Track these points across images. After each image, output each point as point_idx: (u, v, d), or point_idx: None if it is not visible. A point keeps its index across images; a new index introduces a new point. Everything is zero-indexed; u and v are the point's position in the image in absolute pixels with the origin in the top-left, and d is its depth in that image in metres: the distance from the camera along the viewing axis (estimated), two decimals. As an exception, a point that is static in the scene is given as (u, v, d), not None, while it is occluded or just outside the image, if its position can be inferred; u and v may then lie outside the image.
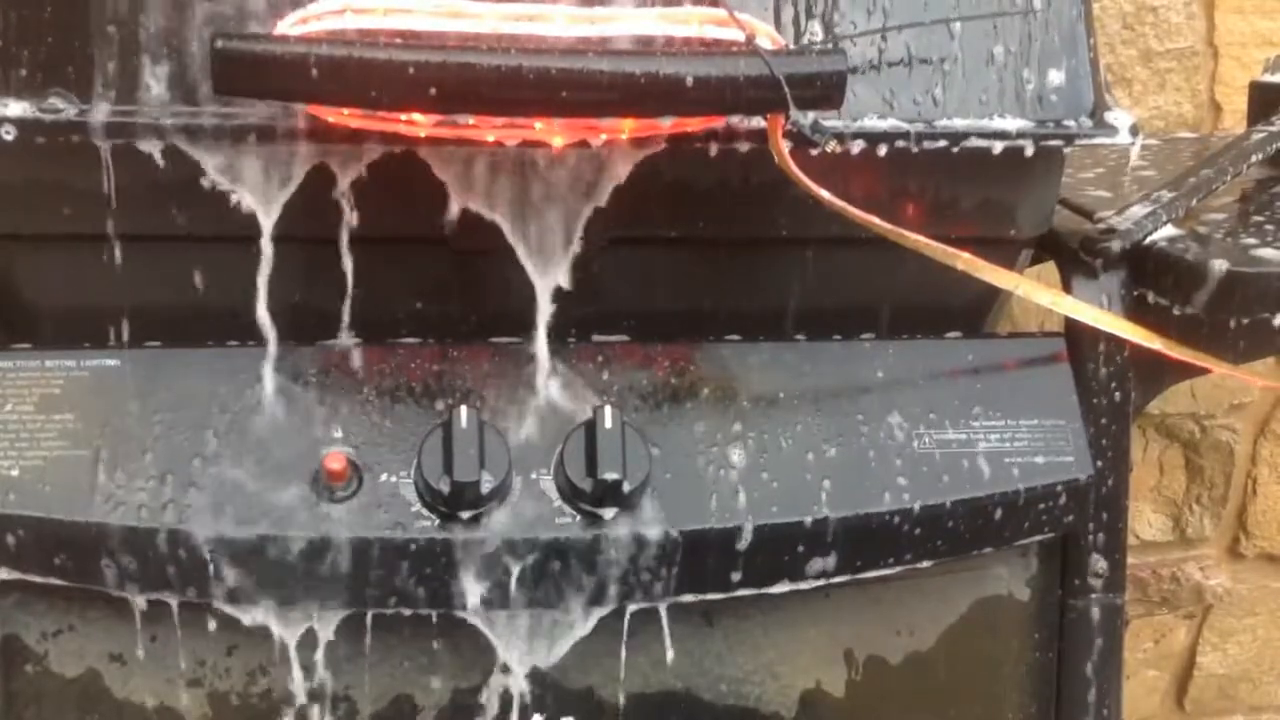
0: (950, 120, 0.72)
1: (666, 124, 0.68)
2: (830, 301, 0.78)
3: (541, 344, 0.73)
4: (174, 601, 0.71)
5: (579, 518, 0.71)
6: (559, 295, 0.72)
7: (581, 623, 0.73)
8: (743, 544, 0.72)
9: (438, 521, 0.70)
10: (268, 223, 0.69)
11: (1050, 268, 0.83)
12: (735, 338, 0.77)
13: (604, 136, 0.68)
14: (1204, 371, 0.81)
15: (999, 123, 0.73)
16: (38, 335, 0.74)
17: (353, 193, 0.70)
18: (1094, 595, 0.82)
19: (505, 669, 0.74)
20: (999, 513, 0.76)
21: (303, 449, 0.71)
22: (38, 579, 0.70)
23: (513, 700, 0.75)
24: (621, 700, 0.77)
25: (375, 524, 0.70)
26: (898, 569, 0.76)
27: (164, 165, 0.68)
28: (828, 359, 0.77)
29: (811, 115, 0.68)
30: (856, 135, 0.71)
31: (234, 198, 0.69)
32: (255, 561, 0.69)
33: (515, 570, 0.71)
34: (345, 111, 0.65)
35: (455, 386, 0.73)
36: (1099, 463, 0.79)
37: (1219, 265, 0.77)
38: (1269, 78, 0.98)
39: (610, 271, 0.75)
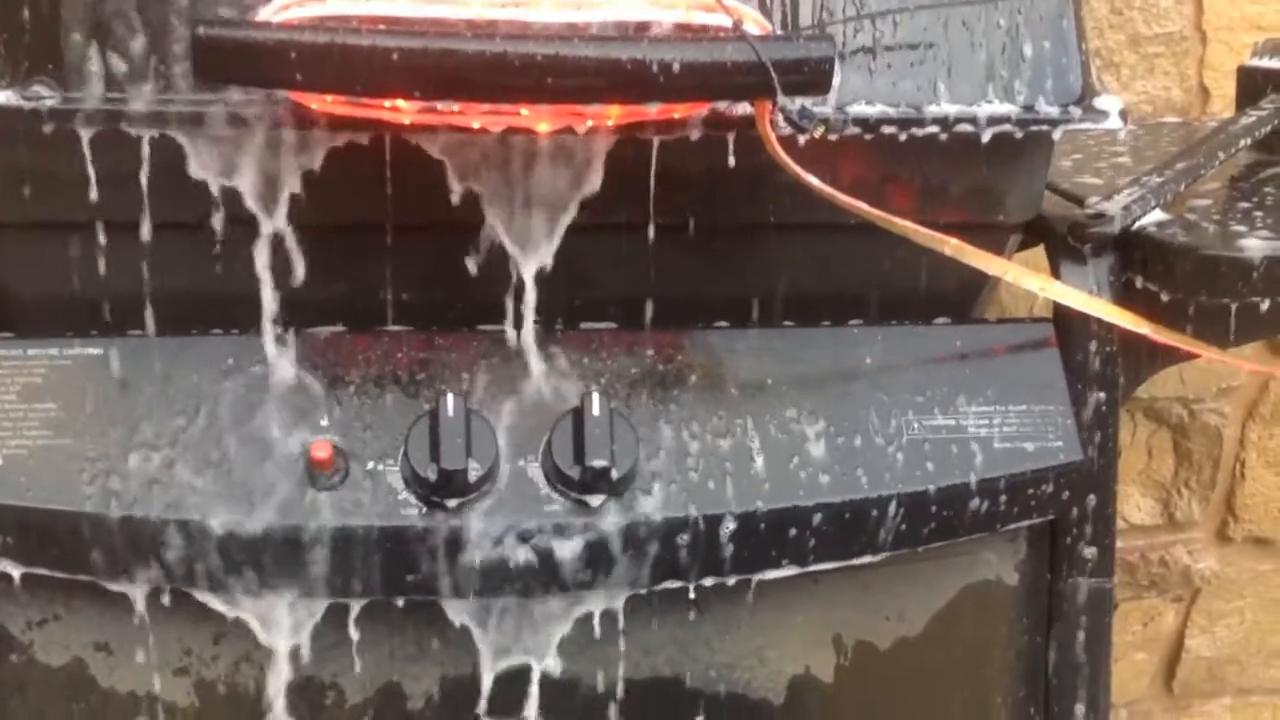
0: (938, 105, 0.72)
1: (653, 110, 0.67)
2: (819, 288, 0.78)
3: (529, 331, 0.73)
4: (159, 591, 0.71)
5: (567, 505, 0.71)
6: (546, 282, 0.72)
7: (569, 610, 0.73)
8: (731, 530, 0.72)
9: (425, 509, 0.70)
10: (250, 210, 0.69)
11: (1039, 253, 0.83)
12: (723, 324, 0.77)
13: (590, 122, 0.68)
14: (1192, 356, 0.81)
15: (987, 108, 0.72)
16: (20, 324, 0.74)
17: (337, 180, 0.69)
18: (1082, 579, 0.82)
19: (492, 657, 0.74)
20: (987, 498, 0.76)
21: (289, 437, 0.71)
22: (22, 568, 0.70)
23: (500, 688, 0.75)
24: (610, 687, 0.77)
25: (362, 512, 0.70)
26: (886, 555, 0.75)
27: (146, 153, 0.67)
28: (816, 345, 0.77)
29: (799, 101, 0.67)
30: (845, 121, 0.70)
31: (216, 185, 0.68)
32: (241, 550, 0.69)
33: (503, 558, 0.70)
34: (329, 98, 0.65)
35: (442, 374, 0.73)
36: (1087, 448, 0.79)
37: (1207, 251, 0.77)
38: (1257, 62, 0.98)
39: (597, 258, 0.74)
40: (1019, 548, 0.82)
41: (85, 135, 0.67)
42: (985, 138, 0.72)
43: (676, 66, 0.62)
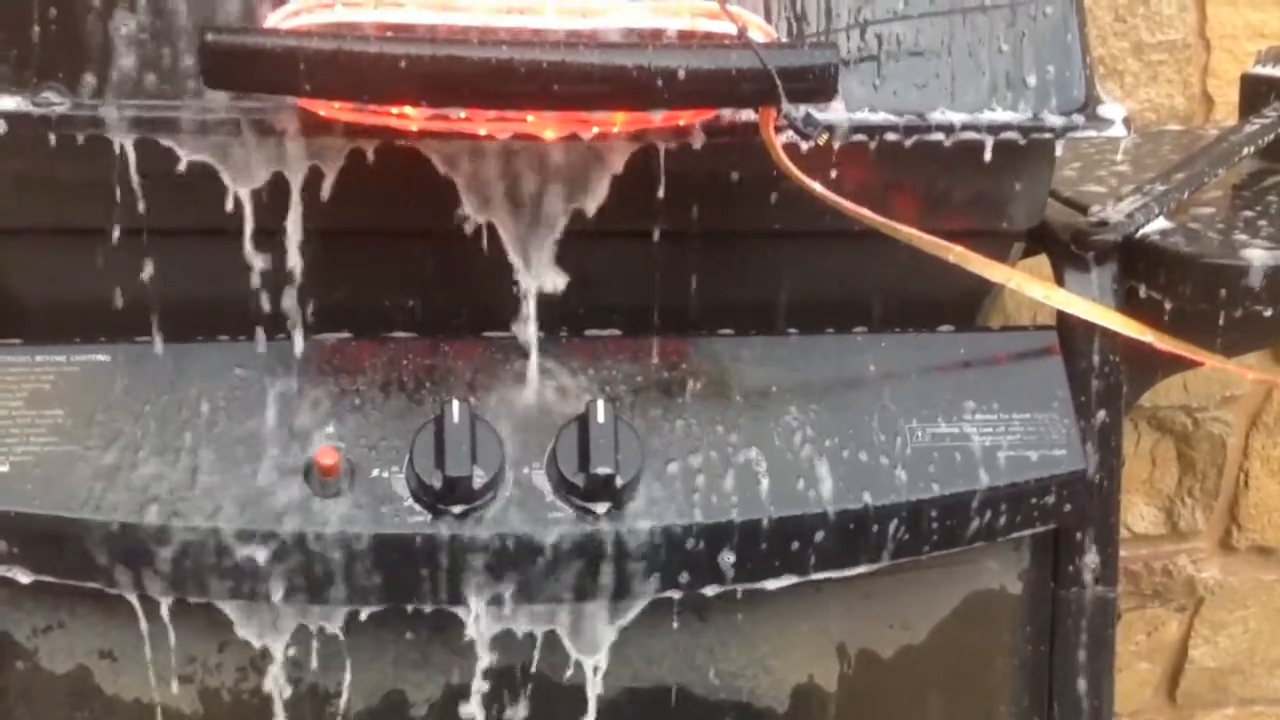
0: (942, 113, 0.72)
1: (658, 117, 0.68)
2: (822, 295, 0.78)
3: (534, 338, 0.73)
4: (164, 598, 0.71)
5: (571, 512, 0.71)
6: (551, 289, 0.72)
7: (573, 618, 0.73)
8: (735, 539, 0.72)
9: (430, 516, 0.70)
10: (257, 216, 0.69)
11: (1042, 260, 0.83)
12: (728, 332, 0.77)
13: (596, 129, 0.68)
14: (1196, 364, 0.81)
15: (991, 115, 0.73)
16: (28, 330, 0.74)
17: (344, 186, 0.69)
18: (1086, 588, 0.82)
19: (496, 664, 0.74)
20: (991, 506, 0.76)
21: (294, 444, 0.71)
22: (28, 575, 0.70)
23: (503, 695, 0.75)
24: (613, 695, 0.76)
25: (367, 519, 0.70)
26: (890, 563, 0.75)
27: (154, 159, 0.67)
28: (820, 353, 0.77)
29: (803, 108, 0.67)
30: (848, 128, 0.70)
31: (223, 192, 0.68)
32: (246, 558, 0.69)
33: (507, 565, 0.70)
34: (336, 105, 0.65)
35: (447, 381, 0.73)
36: (1091, 456, 0.79)
37: (1210, 259, 0.77)
38: (1260, 70, 0.99)
39: (602, 265, 0.75)
40: (1022, 556, 0.82)
41: (93, 142, 0.67)
42: (989, 145, 0.72)
43: (681, 73, 0.62)
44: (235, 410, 0.71)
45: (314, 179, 0.69)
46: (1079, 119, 0.74)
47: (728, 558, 0.72)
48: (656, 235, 0.74)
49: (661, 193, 0.71)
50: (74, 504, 0.68)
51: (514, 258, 0.71)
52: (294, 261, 0.70)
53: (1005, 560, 0.82)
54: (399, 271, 0.74)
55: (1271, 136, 0.93)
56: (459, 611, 0.72)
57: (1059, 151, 0.78)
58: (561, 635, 0.74)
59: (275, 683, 0.73)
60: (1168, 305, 0.79)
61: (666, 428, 0.74)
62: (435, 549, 0.70)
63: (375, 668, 0.74)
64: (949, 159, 0.73)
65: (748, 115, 0.68)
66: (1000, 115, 0.73)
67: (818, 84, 0.64)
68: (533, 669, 0.74)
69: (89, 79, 0.66)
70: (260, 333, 0.71)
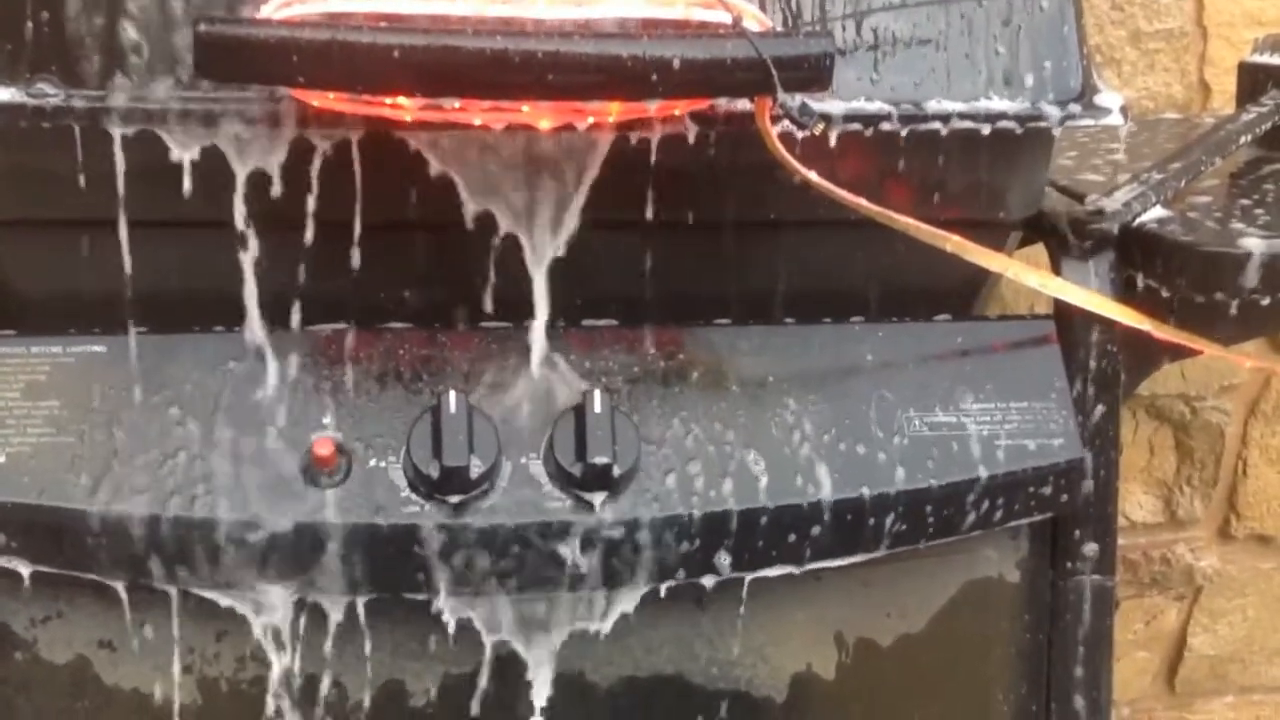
0: (939, 102, 0.72)
1: (653, 107, 0.67)
2: (819, 285, 0.78)
3: (530, 328, 0.73)
4: (162, 588, 0.71)
5: (568, 502, 0.71)
6: (548, 279, 0.72)
7: (570, 607, 0.73)
8: (732, 529, 0.72)
9: (427, 506, 0.70)
10: (254, 207, 0.69)
11: (1040, 249, 0.83)
12: (724, 321, 0.77)
13: (591, 119, 0.68)
14: (1194, 353, 0.81)
15: (987, 104, 0.72)
16: (23, 321, 0.74)
17: (338, 177, 0.69)
18: (1084, 577, 0.82)
19: (494, 653, 0.74)
20: (989, 496, 0.76)
21: (291, 435, 0.71)
22: (25, 566, 0.70)
23: (501, 684, 0.75)
24: (611, 684, 0.77)
25: (364, 509, 0.70)
26: (887, 552, 0.75)
27: (147, 150, 0.67)
28: (817, 342, 0.77)
29: (799, 97, 0.67)
30: (844, 117, 0.70)
31: (219, 182, 0.68)
32: (244, 548, 0.69)
33: (504, 555, 0.70)
34: (330, 95, 0.65)
35: (444, 371, 0.73)
36: (1089, 445, 0.79)
37: (1207, 248, 0.77)
38: (1258, 58, 0.98)
39: (599, 255, 0.74)
40: (1020, 545, 0.82)
41: (88, 133, 0.67)
42: (985, 134, 0.72)
43: (676, 63, 0.62)
44: (231, 401, 0.71)
45: (307, 170, 0.69)
46: (1076, 108, 0.74)
47: (725, 548, 0.73)
48: (652, 225, 0.74)
49: (657, 183, 0.71)
50: (71, 495, 0.68)
51: (509, 248, 0.71)
52: (289, 252, 0.70)
53: (1003, 549, 0.82)
54: (394, 262, 0.74)
55: (1269, 125, 0.93)
56: (456, 601, 0.72)
57: (1056, 139, 0.78)
58: (559, 624, 0.74)
59: (273, 672, 0.73)
60: (1165, 294, 0.79)
61: (663, 418, 0.74)
62: (432, 539, 0.70)
63: (374, 657, 0.74)
64: (946, 149, 0.73)
65: (743, 105, 0.68)
66: (997, 105, 0.73)
67: (813, 73, 0.64)
68: (529, 658, 0.74)
69: (82, 70, 0.66)
70: (256, 323, 0.71)
